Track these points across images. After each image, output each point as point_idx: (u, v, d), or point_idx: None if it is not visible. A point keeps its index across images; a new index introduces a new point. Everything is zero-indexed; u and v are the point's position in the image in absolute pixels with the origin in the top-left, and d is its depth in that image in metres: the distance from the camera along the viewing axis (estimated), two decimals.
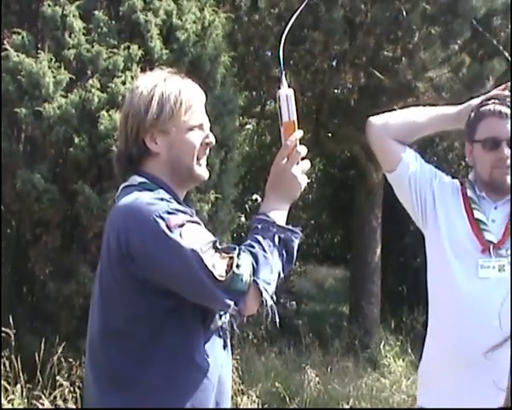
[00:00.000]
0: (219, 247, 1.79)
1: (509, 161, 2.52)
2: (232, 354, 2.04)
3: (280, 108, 1.93)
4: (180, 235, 1.76)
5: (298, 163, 1.90)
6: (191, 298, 1.82)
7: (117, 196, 1.97)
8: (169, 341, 1.82)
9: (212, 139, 1.99)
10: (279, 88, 1.93)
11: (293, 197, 1.92)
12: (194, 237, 1.78)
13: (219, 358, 1.91)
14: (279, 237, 1.83)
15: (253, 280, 1.76)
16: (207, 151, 2.00)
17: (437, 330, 2.63)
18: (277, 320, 1.90)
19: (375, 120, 2.69)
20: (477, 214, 2.53)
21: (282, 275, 1.84)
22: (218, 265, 1.75)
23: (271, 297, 1.81)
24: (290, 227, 1.87)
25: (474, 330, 2.43)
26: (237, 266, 1.75)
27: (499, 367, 2.28)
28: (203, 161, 1.99)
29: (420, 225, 2.67)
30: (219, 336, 1.92)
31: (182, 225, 1.78)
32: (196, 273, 1.75)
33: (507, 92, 2.60)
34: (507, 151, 2.50)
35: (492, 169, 2.55)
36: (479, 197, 2.57)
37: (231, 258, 1.76)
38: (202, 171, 1.99)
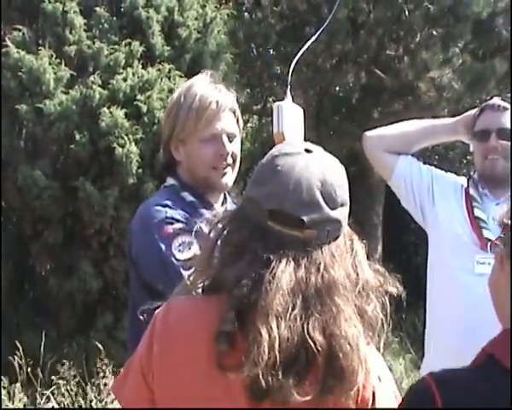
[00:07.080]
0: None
1: (500, 152, 2.52)
2: None
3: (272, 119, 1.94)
4: (168, 245, 1.81)
5: None
6: None
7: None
8: None
9: (226, 150, 1.92)
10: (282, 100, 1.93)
11: None
12: (180, 249, 1.81)
13: None
14: None
15: None
16: (228, 160, 1.94)
17: (437, 326, 2.62)
18: None
19: (370, 135, 2.77)
20: (477, 212, 2.53)
21: None
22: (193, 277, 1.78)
23: None
24: None
25: (473, 326, 2.40)
26: None
27: None
28: (227, 170, 1.94)
29: (422, 225, 2.70)
30: None
31: (174, 236, 1.82)
32: (170, 283, 1.76)
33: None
34: (495, 142, 2.52)
35: (484, 160, 2.57)
36: (481, 195, 2.57)
37: None
38: (224, 179, 1.94)
